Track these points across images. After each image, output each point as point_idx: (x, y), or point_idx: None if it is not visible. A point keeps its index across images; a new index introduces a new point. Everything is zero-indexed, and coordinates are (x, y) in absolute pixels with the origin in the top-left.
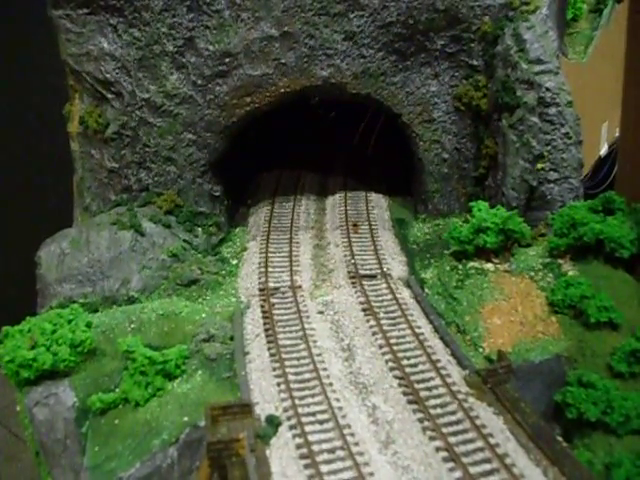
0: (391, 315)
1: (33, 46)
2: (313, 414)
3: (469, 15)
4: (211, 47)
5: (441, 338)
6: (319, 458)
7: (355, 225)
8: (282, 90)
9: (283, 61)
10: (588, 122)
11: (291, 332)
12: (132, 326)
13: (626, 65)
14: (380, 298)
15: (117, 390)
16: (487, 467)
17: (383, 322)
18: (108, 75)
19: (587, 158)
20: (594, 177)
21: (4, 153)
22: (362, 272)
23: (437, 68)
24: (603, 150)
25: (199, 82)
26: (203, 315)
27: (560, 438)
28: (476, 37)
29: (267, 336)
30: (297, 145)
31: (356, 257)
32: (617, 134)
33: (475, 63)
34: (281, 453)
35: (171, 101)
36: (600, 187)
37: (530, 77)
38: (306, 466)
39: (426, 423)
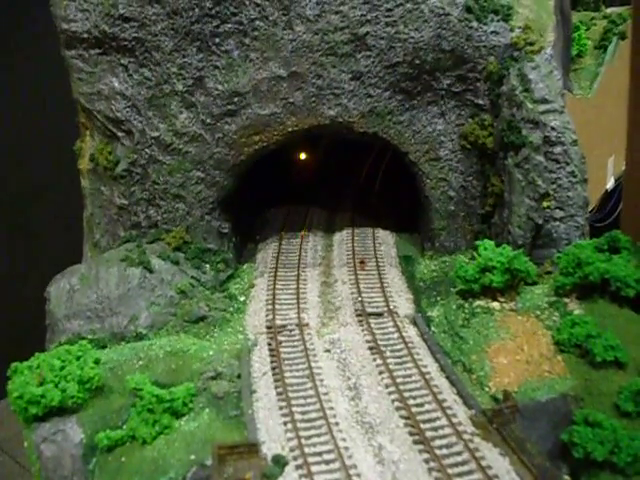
0: (397, 354)
1: (45, 83)
2: (319, 454)
3: (475, 55)
4: (220, 87)
5: (447, 377)
6: None
7: (362, 262)
8: (290, 129)
9: (291, 100)
10: (595, 156)
11: (298, 370)
12: (140, 363)
13: (630, 100)
14: (386, 336)
15: (124, 427)
16: None
17: (389, 361)
18: (119, 114)
19: (594, 192)
20: (601, 211)
21: (14, 190)
22: (369, 310)
23: (443, 107)
24: (609, 184)
25: (208, 121)
26: (211, 352)
27: (567, 478)
28: (482, 77)
29: (274, 374)
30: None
31: (363, 295)
32: (623, 167)
33: (481, 102)
34: None
35: (180, 139)
36: (607, 221)
37: (535, 116)
38: None
39: (432, 464)
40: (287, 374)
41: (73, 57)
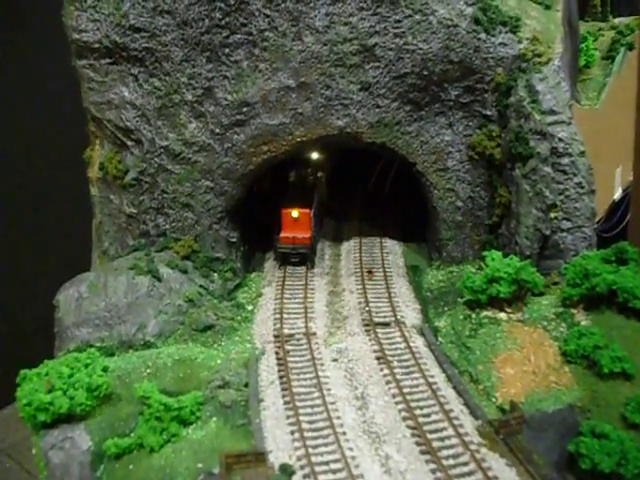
0: (404, 364)
1: (56, 92)
2: (326, 463)
3: (483, 66)
4: (229, 97)
5: (454, 387)
6: None
7: (370, 272)
8: (298, 139)
9: (300, 111)
10: (602, 167)
11: (305, 380)
12: (148, 371)
13: (638, 110)
14: (394, 346)
15: (132, 435)
16: None
17: (396, 371)
18: (128, 123)
19: (601, 202)
20: (608, 221)
21: (24, 198)
22: (376, 320)
23: (451, 118)
24: (617, 194)
25: (217, 131)
26: (218, 361)
27: None
28: (489, 88)
29: (281, 383)
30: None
31: (370, 304)
32: (631, 178)
33: (489, 113)
34: None
35: (189, 149)
36: (614, 231)
37: (543, 128)
38: None
39: (438, 474)
40: (294, 383)
41: (84, 67)
